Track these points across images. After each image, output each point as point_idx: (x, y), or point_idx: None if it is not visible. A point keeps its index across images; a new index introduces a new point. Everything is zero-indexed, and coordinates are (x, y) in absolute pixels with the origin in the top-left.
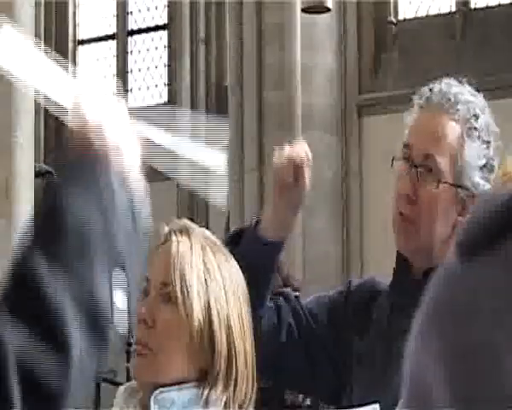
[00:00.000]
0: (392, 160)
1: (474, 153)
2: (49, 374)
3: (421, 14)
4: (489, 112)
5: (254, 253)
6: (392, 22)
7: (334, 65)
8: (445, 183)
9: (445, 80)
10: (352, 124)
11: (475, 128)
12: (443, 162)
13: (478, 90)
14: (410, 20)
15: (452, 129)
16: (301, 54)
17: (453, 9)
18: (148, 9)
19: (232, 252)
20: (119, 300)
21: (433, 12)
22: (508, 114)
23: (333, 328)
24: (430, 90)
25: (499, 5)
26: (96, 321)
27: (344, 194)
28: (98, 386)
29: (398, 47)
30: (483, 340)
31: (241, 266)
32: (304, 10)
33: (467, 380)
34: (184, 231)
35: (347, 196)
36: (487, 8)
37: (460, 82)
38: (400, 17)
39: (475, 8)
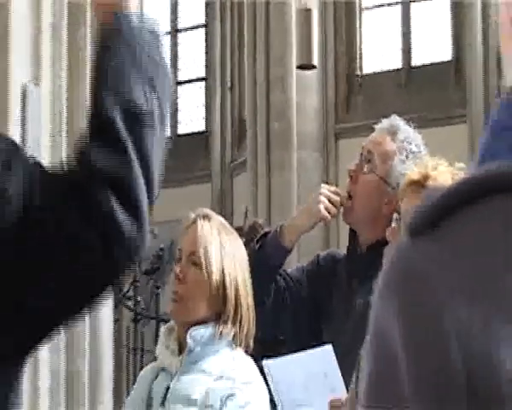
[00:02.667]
0: None
1: (401, 164)
2: None
3: (379, 69)
4: (424, 149)
5: (278, 257)
6: (358, 75)
7: (320, 103)
8: (376, 174)
9: (397, 117)
10: (332, 145)
11: (406, 149)
12: (377, 159)
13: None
14: (370, 74)
15: (389, 144)
16: (296, 96)
17: (399, 66)
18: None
19: (257, 248)
20: None
21: (385, 68)
22: (440, 141)
23: (312, 291)
24: (385, 120)
25: (431, 63)
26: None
27: None
28: (157, 326)
29: (363, 92)
30: (428, 312)
31: (258, 260)
32: (298, 67)
33: (417, 353)
34: (206, 217)
35: None
36: (423, 65)
37: (408, 123)
38: (364, 72)
39: (415, 66)
